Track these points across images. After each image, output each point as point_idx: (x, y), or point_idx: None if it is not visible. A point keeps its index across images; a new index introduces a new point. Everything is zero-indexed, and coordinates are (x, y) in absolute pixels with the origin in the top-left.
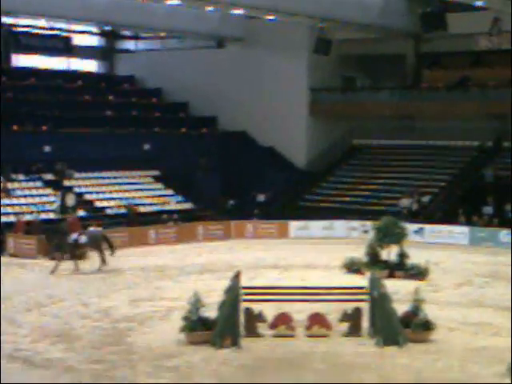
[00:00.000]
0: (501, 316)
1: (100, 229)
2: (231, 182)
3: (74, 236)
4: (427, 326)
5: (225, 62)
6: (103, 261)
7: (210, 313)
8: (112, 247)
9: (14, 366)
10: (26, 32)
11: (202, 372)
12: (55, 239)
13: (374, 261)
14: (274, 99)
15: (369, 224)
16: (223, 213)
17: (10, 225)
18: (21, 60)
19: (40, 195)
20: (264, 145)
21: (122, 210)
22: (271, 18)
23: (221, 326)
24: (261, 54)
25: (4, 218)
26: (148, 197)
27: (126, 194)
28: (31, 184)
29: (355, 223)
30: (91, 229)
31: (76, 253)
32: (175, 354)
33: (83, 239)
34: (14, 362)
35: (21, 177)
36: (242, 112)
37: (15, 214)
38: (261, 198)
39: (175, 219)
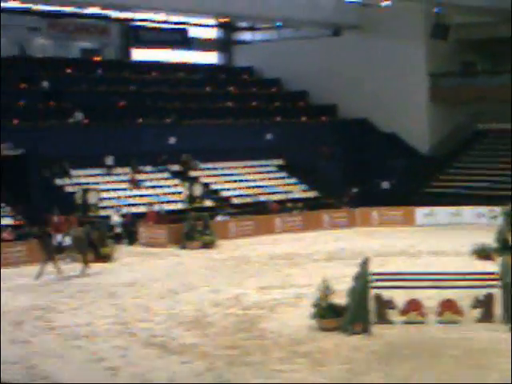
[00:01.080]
0: None
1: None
2: (353, 169)
3: (58, 238)
4: None
5: (342, 50)
6: (86, 263)
7: (340, 299)
8: (96, 249)
9: (151, 351)
10: (145, 26)
11: (334, 358)
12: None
13: (505, 246)
14: (393, 86)
15: (497, 210)
16: (347, 201)
17: (141, 215)
18: (140, 54)
19: (167, 186)
20: (385, 131)
21: (248, 200)
22: (387, 3)
23: (351, 312)
24: (378, 41)
25: (135, 209)
26: (272, 185)
27: (252, 184)
28: (159, 175)
29: (483, 209)
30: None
31: (58, 255)
32: (306, 340)
33: (67, 241)
34: (151, 348)
35: (148, 168)
36: (362, 99)
37: (145, 204)
38: (385, 185)
39: (300, 207)
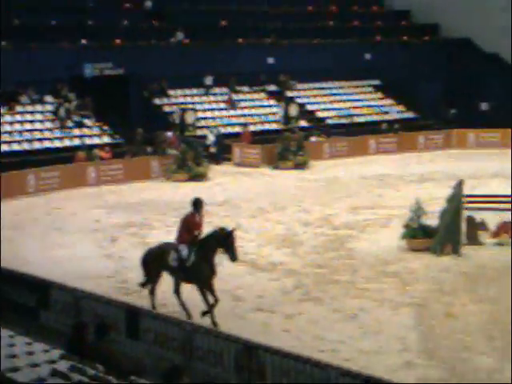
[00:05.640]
0: None
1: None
2: (453, 90)
3: None
4: None
5: None
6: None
7: (431, 221)
8: None
9: (242, 268)
10: None
11: (422, 278)
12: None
13: None
14: (497, 4)
15: None
16: (445, 122)
17: (236, 135)
18: None
19: (264, 106)
20: (488, 51)
21: (344, 120)
22: None
23: (442, 233)
24: None
25: (230, 129)
26: (368, 106)
27: (348, 104)
28: (255, 95)
29: None
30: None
31: None
32: (395, 260)
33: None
34: (241, 265)
35: (245, 88)
36: (464, 18)
37: (240, 124)
38: (484, 106)
39: (396, 129)
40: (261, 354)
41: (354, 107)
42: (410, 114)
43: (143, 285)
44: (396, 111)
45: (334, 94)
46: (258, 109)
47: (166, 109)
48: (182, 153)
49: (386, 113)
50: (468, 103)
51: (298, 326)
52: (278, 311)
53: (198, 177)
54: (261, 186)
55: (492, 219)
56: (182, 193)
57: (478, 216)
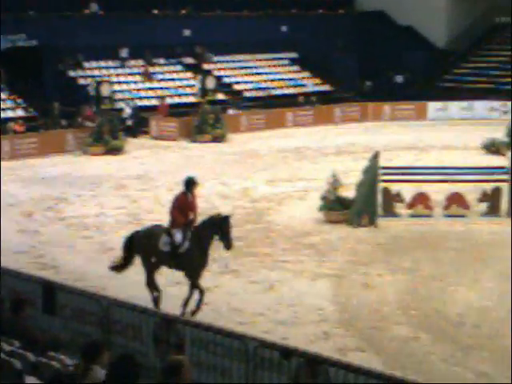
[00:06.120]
0: None
1: None
2: (368, 63)
3: None
4: None
5: None
6: None
7: (348, 193)
8: None
9: None
10: None
11: (339, 249)
12: None
13: None
14: None
15: (509, 104)
16: (360, 94)
17: (153, 108)
18: None
19: (180, 79)
20: (402, 24)
21: (261, 93)
22: None
23: (358, 205)
24: None
25: (146, 102)
26: (285, 79)
27: (264, 77)
28: (172, 68)
29: (496, 103)
30: None
31: None
32: (313, 232)
33: None
34: None
35: (161, 61)
36: None
37: (157, 97)
38: (399, 78)
39: (312, 102)
40: (179, 327)
41: (270, 80)
42: (326, 87)
43: (116, 268)
44: (312, 84)
45: (251, 67)
46: (174, 81)
47: (81, 81)
48: (98, 126)
49: (303, 86)
50: (383, 76)
51: (217, 298)
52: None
53: (115, 150)
54: (178, 160)
55: (408, 190)
56: (98, 166)
57: (394, 188)
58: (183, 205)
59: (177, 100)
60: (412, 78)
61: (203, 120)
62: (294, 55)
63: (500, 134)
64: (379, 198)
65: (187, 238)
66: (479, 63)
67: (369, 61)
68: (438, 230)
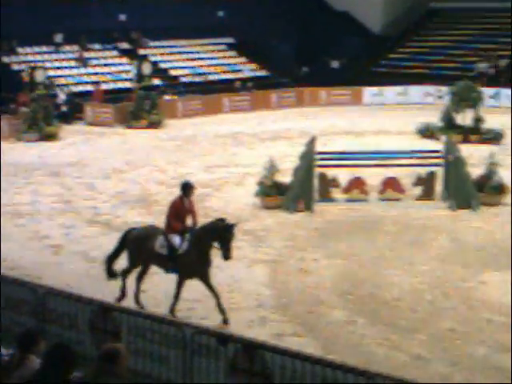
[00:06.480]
0: None
1: None
2: (305, 48)
3: None
4: (501, 189)
5: None
6: None
7: (285, 178)
8: None
9: (94, 229)
10: None
11: (276, 235)
12: None
13: (449, 125)
14: None
15: (444, 89)
16: (297, 80)
17: (88, 94)
18: None
19: (116, 64)
20: (338, 9)
21: (197, 79)
22: None
23: (295, 190)
24: None
25: (81, 88)
26: (222, 64)
27: (201, 62)
28: (107, 53)
29: (430, 88)
30: None
31: None
32: (250, 217)
33: None
34: (94, 226)
35: (96, 46)
36: None
37: (92, 83)
38: (335, 64)
39: (249, 87)
40: (116, 315)
41: (207, 65)
42: (262, 73)
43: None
44: (249, 69)
45: (188, 52)
46: (110, 67)
47: (15, 67)
48: (32, 112)
49: (240, 71)
50: (319, 61)
51: (154, 285)
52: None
53: (49, 137)
54: (114, 146)
55: (343, 175)
56: (32, 154)
57: (330, 172)
58: (179, 210)
59: (112, 85)
60: (348, 64)
61: (139, 106)
62: (230, 40)
63: (434, 119)
64: (315, 183)
65: (186, 240)
66: (414, 48)
67: (305, 46)
68: (374, 214)
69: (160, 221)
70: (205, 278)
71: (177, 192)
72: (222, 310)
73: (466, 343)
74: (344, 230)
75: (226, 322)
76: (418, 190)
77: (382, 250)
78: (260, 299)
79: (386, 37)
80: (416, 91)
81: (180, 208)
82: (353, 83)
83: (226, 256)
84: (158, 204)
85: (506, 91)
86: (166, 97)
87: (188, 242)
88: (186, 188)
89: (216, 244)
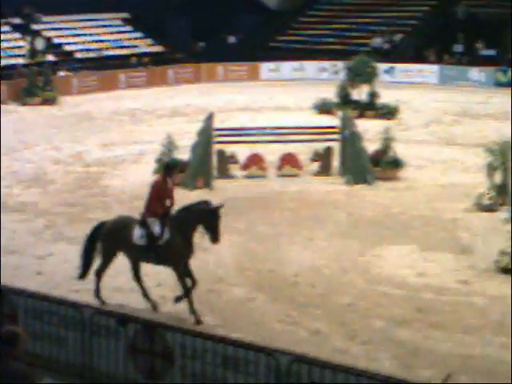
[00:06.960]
0: (469, 153)
1: None
2: (201, 24)
3: None
4: (396, 163)
5: None
6: None
7: (183, 155)
8: None
9: None
10: None
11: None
12: None
13: (345, 101)
14: None
15: (340, 64)
16: (194, 55)
17: None
18: None
19: (8, 40)
20: None
21: (92, 54)
22: None
23: (193, 167)
24: None
25: None
26: (117, 40)
27: (96, 38)
28: None
29: (326, 64)
30: None
31: None
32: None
33: None
34: None
35: None
36: None
37: None
38: (232, 39)
39: (145, 63)
40: (13, 298)
41: (102, 41)
42: (158, 48)
43: (83, 275)
44: (145, 45)
45: (82, 27)
46: (1, 43)
47: None
48: None
49: (135, 47)
50: (216, 37)
51: (51, 266)
52: (29, 253)
53: None
54: (7, 124)
55: (241, 152)
56: None
57: (229, 149)
58: (162, 191)
59: (4, 62)
60: (245, 39)
61: (32, 82)
62: (126, 15)
63: (331, 95)
64: (214, 159)
65: (167, 228)
66: (310, 24)
67: (202, 22)
68: (273, 190)
69: (57, 200)
70: (186, 264)
71: (74, 170)
72: (189, 299)
73: (363, 317)
74: (243, 206)
75: (179, 299)
76: (316, 166)
77: (281, 226)
78: (160, 278)
79: (282, 12)
80: (312, 66)
81: (163, 189)
82: (250, 59)
83: (215, 239)
84: (54, 183)
85: (399, 66)
86: (61, 73)
87: (170, 228)
88: (170, 168)
89: (201, 228)
